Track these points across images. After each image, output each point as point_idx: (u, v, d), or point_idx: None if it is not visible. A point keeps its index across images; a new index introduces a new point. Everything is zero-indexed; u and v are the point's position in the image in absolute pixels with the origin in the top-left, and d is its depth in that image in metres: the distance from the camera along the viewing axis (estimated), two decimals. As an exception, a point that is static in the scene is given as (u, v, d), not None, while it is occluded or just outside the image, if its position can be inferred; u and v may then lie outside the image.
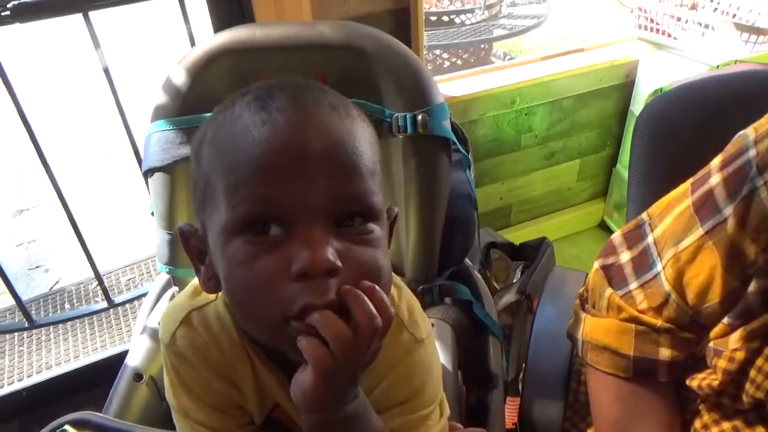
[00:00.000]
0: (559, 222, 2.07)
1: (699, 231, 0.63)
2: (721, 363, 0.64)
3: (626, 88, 1.89)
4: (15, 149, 2.86)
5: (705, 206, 0.63)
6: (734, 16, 1.68)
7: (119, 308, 1.78)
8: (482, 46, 2.98)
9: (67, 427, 0.54)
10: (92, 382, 1.52)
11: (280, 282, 0.44)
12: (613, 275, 0.74)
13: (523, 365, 0.95)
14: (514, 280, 1.46)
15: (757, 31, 1.50)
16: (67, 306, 1.91)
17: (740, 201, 0.59)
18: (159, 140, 0.83)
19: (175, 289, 0.92)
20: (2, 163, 2.83)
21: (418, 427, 0.59)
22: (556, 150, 1.92)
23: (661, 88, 1.65)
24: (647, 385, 0.71)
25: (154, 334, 0.84)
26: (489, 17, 2.92)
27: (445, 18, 2.90)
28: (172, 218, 0.87)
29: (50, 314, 1.87)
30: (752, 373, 0.62)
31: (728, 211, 0.60)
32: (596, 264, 0.76)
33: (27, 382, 1.58)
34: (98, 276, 1.45)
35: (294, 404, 0.48)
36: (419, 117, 0.82)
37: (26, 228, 2.38)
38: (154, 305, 0.91)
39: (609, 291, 0.73)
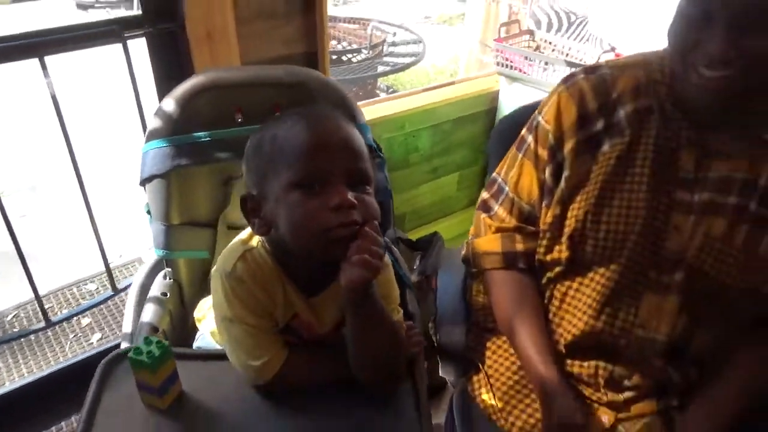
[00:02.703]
0: (445, 226, 2.29)
1: (519, 156, 1.03)
2: (543, 226, 1.00)
3: (491, 113, 2.20)
4: None
5: (519, 143, 1.03)
6: (567, 55, 2.10)
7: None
8: (369, 81, 3.33)
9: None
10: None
11: (323, 212, 0.76)
12: (485, 209, 1.09)
13: (433, 317, 1.27)
14: (415, 266, 1.78)
15: (582, 65, 1.94)
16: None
17: (533, 130, 1.00)
18: (156, 154, 1.07)
19: (168, 270, 1.16)
20: None
21: (392, 311, 0.91)
22: (438, 166, 2.17)
23: (512, 113, 2.04)
24: (517, 271, 1.04)
25: (158, 301, 1.08)
26: (374, 56, 3.26)
27: (334, 57, 3.23)
28: (168, 213, 1.11)
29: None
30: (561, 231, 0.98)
31: (530, 138, 1.01)
32: (476, 212, 1.12)
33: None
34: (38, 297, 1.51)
35: (310, 313, 0.82)
36: (351, 131, 1.14)
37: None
38: (147, 284, 1.14)
39: (483, 216, 1.08)
